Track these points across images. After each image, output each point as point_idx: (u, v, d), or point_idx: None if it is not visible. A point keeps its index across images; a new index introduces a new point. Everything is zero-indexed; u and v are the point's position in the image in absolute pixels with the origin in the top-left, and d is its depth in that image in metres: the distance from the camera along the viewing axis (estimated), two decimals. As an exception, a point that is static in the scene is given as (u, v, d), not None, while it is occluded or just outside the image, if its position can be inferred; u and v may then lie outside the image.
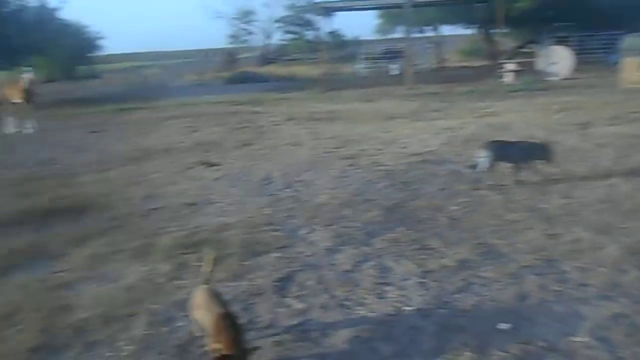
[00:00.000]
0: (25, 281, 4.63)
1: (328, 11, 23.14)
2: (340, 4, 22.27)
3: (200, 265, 4.62)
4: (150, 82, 29.14)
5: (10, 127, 14.22)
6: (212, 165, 8.76)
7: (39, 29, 24.78)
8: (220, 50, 70.73)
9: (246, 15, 41.35)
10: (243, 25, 42.15)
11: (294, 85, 24.88)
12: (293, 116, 13.95)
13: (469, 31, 34.30)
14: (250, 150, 9.90)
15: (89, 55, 38.01)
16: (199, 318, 3.32)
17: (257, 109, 16.24)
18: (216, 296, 3.32)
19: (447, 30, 34.76)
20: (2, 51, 24.39)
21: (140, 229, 5.80)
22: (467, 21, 30.96)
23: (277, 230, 5.54)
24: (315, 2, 21.01)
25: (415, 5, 22.54)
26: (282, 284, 4.33)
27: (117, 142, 11.67)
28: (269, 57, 40.86)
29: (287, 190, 7.04)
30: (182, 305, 4.03)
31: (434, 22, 31.45)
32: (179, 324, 3.80)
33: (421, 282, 4.27)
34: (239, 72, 28.62)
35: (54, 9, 25.74)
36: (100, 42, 38.38)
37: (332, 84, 22.11)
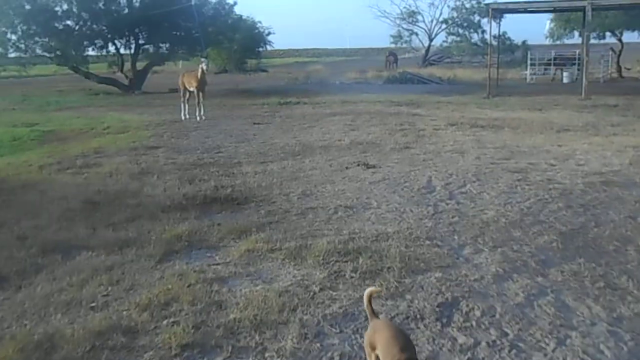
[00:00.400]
0: (184, 270, 4.62)
1: (499, 13, 21.91)
2: (513, 6, 20.96)
3: (353, 277, 4.34)
4: (313, 78, 29.72)
5: (186, 114, 15.06)
6: (370, 166, 8.46)
7: (218, 23, 26.26)
8: (382, 50, 71.19)
9: (411, 16, 40.76)
10: (407, 26, 41.56)
11: (455, 88, 24.00)
12: (455, 121, 13.27)
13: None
14: (410, 154, 9.47)
15: (259, 49, 39.63)
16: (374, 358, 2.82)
17: (417, 111, 15.74)
18: (399, 336, 2.80)
19: (628, 37, 31.57)
20: (183, 42, 26.25)
21: (296, 228, 5.63)
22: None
23: (438, 246, 5.08)
24: (486, 3, 19.88)
25: (596, 9, 20.60)
26: (445, 311, 3.87)
27: (279, 135, 11.82)
28: (431, 58, 40.00)
29: (450, 201, 6.52)
30: (335, 320, 3.75)
31: (614, 28, 28.63)
32: (331, 341, 3.51)
33: (612, 331, 3.59)
34: (399, 73, 28.24)
35: (232, 4, 27.09)
36: (270, 38, 39.84)
37: (497, 90, 20.95)
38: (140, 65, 26.92)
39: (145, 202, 6.67)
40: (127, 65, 26.97)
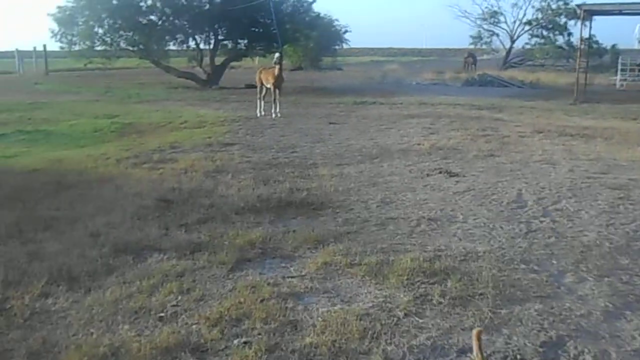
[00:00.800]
0: (257, 282, 4.32)
1: (590, 14, 20.62)
2: (608, 7, 19.66)
3: (442, 303, 3.90)
4: (389, 78, 29.15)
5: (262, 110, 14.93)
6: (453, 175, 7.93)
7: (296, 20, 26.14)
8: (460, 51, 69.41)
9: (493, 16, 39.32)
10: (487, 26, 40.16)
11: (538, 92, 22.86)
12: (541, 128, 12.46)
13: None
14: (495, 162, 8.86)
15: (335, 47, 39.44)
16: None
17: (500, 115, 14.97)
18: None
19: None
20: (261, 39, 26.28)
21: (377, 240, 5.23)
22: None
23: (535, 271, 4.55)
24: (577, 3, 18.75)
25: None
26: (550, 352, 3.37)
27: (355, 136, 11.44)
28: (512, 60, 38.51)
29: (544, 219, 5.93)
30: (423, 354, 3.33)
31: None
32: (420, 379, 3.10)
33: None
34: (479, 75, 27.20)
35: (311, 2, 26.89)
36: (346, 36, 39.58)
37: (585, 96, 19.74)
38: (218, 60, 27.18)
39: (218, 203, 6.45)
40: (206, 60, 27.33)
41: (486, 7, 39.79)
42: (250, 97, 19.60)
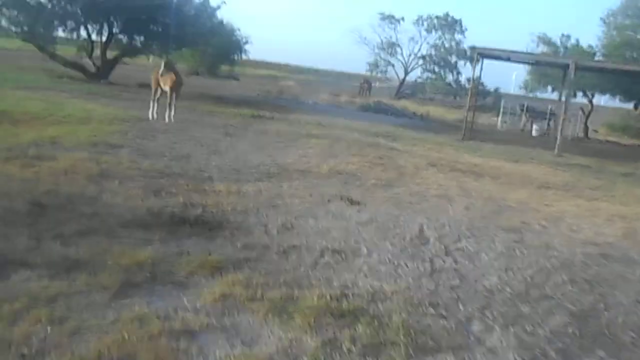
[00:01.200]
0: (145, 313, 3.75)
1: (482, 57, 21.73)
2: (499, 53, 20.80)
3: (352, 351, 3.56)
4: (286, 94, 28.98)
5: (154, 113, 14.06)
6: (354, 203, 7.71)
7: (198, 24, 25.24)
8: (355, 76, 71.16)
9: (390, 47, 40.62)
10: (384, 55, 41.40)
11: (429, 126, 23.71)
12: (434, 162, 12.71)
13: (623, 104, 31.52)
14: (394, 193, 8.77)
15: (233, 56, 38.77)
16: None
17: (395, 145, 15.17)
18: None
19: (598, 99, 32.11)
20: (159, 38, 25.13)
21: (280, 271, 4.81)
22: (627, 94, 28.24)
23: (444, 317, 4.34)
24: (470, 46, 19.65)
25: (579, 68, 20.67)
26: (467, 414, 3.12)
27: (253, 151, 10.99)
28: (405, 91, 39.89)
29: (447, 258, 5.82)
30: (335, 414, 2.95)
31: (588, 88, 28.96)
32: None
33: None
34: (375, 102, 27.81)
35: (216, 8, 26.18)
36: (246, 47, 39.06)
37: (471, 133, 20.68)
38: (110, 54, 25.63)
39: (102, 213, 5.74)
40: (97, 53, 25.72)
41: (385, 37, 41.06)
42: (143, 96, 18.56)
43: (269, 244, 5.52)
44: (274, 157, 10.75)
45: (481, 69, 21.83)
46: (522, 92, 33.23)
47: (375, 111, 26.17)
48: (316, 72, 75.05)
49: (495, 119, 30.27)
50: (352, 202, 7.73)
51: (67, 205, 5.85)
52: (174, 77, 13.80)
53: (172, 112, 13.89)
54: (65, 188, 6.45)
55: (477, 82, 38.92)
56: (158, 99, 14.41)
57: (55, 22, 23.80)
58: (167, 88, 14.07)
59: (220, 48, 33.67)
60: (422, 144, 16.32)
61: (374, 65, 42.18)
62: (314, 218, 6.72)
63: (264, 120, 16.97)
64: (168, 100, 13.93)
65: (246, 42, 38.71)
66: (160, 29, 24.79)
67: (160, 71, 13.82)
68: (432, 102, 36.84)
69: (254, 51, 40.48)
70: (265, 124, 16.07)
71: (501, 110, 29.13)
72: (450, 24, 37.95)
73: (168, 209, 6.21)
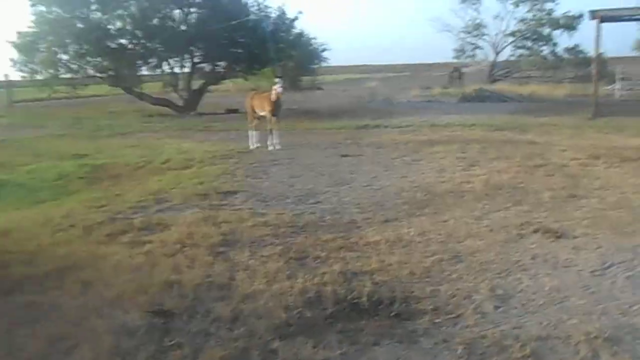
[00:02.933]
0: None
1: (605, 20, 18.65)
2: (625, 12, 17.80)
3: None
4: (376, 97, 26.92)
5: (255, 142, 12.53)
6: (557, 234, 5.62)
7: (278, 39, 23.75)
8: (432, 66, 67.95)
9: (476, 29, 37.56)
10: (471, 39, 38.38)
11: (544, 107, 20.89)
12: (594, 153, 10.28)
13: None
14: (592, 210, 6.56)
15: (313, 66, 37.22)
16: None
17: (530, 137, 12.81)
18: None
19: None
20: (241, 60, 23.88)
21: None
22: None
23: None
24: (591, 10, 16.80)
25: None
26: None
27: (382, 174, 9.11)
28: (498, 73, 36.75)
29: None
30: None
31: None
32: None
33: None
34: (475, 90, 25.17)
35: (293, 19, 24.59)
36: (325, 54, 37.39)
37: (597, 108, 17.78)
38: (195, 84, 24.65)
39: (245, 314, 4.00)
40: (181, 85, 24.86)
41: (469, 20, 38.00)
42: (235, 124, 17.34)
43: (500, 338, 3.56)
44: (408, 176, 8.83)
45: (599, 35, 18.61)
46: (632, 54, 29.43)
47: (479, 100, 23.62)
48: (393, 68, 72.45)
49: (607, 88, 26.75)
50: (553, 233, 5.63)
51: (196, 305, 4.17)
52: (271, 98, 12.14)
53: (275, 139, 12.27)
54: (187, 275, 4.78)
55: (572, 51, 35.42)
56: (256, 125, 12.88)
57: (138, 62, 23.09)
58: (265, 112, 12.48)
59: (300, 60, 32.13)
60: (556, 131, 13.82)
61: (460, 51, 39.18)
62: (523, 271, 4.70)
63: (371, 130, 15.08)
64: (268, 126, 12.33)
65: (324, 50, 37.07)
66: (241, 51, 23.47)
67: (280, 92, 12.09)
68: (529, 80, 33.58)
69: (330, 57, 38.66)
70: (374, 134, 14.15)
71: (617, 77, 25.66)
72: (538, -7, 34.60)
73: (327, 288, 4.40)
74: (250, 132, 12.75)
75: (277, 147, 12.13)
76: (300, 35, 26.52)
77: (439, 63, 69.48)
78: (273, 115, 12.28)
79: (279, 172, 9.59)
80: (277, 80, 12.18)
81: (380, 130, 14.82)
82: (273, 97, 12.09)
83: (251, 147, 12.43)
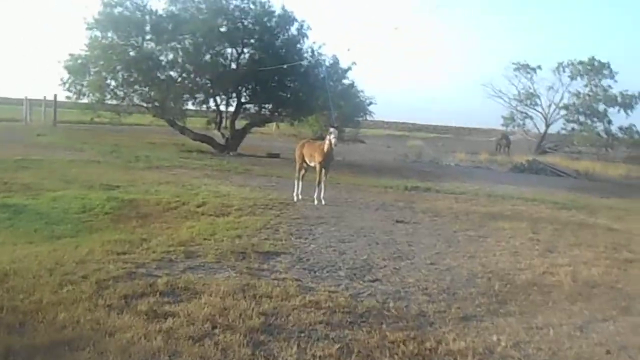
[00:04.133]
0: None
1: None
2: None
3: None
4: (422, 156, 25.73)
5: (299, 193, 11.39)
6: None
7: (328, 87, 22.94)
8: (474, 131, 66.66)
9: (529, 98, 36.33)
10: (522, 108, 37.12)
11: (602, 186, 19.38)
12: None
13: None
14: None
15: (359, 119, 36.49)
16: None
17: (604, 221, 11.36)
18: None
19: None
20: (289, 104, 23.07)
21: None
22: None
23: None
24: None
25: None
26: None
27: (446, 250, 7.80)
28: (547, 145, 35.29)
29: None
30: None
31: None
32: None
33: None
34: (528, 160, 23.80)
35: (346, 69, 23.92)
36: (371, 108, 36.72)
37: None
38: (238, 124, 23.88)
39: None
40: (225, 123, 24.13)
41: (522, 89, 36.80)
42: (277, 170, 16.32)
43: None
44: (477, 256, 7.51)
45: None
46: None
47: (532, 171, 22.20)
48: (434, 128, 71.35)
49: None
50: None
51: None
52: (324, 149, 11.02)
53: (322, 193, 11.10)
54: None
55: (627, 130, 33.79)
56: (303, 176, 11.77)
57: (185, 96, 22.49)
58: (314, 163, 11.36)
59: (347, 111, 31.36)
60: (629, 217, 12.33)
61: (510, 119, 37.85)
62: None
63: (422, 193, 13.82)
64: (317, 178, 11.17)
65: (370, 103, 36.43)
66: (289, 95, 22.70)
67: (334, 142, 10.89)
68: (580, 155, 32.04)
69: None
70: (427, 199, 12.85)
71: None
72: (597, 69, 33.28)
73: None
74: (296, 182, 11.62)
75: (323, 202, 10.95)
76: (352, 86, 25.77)
77: (482, 129, 68.50)
78: (323, 167, 11.14)
79: (326, 234, 8.35)
80: (331, 130, 11.05)
81: (432, 195, 13.54)
82: (326, 147, 10.97)
83: (295, 198, 11.27)
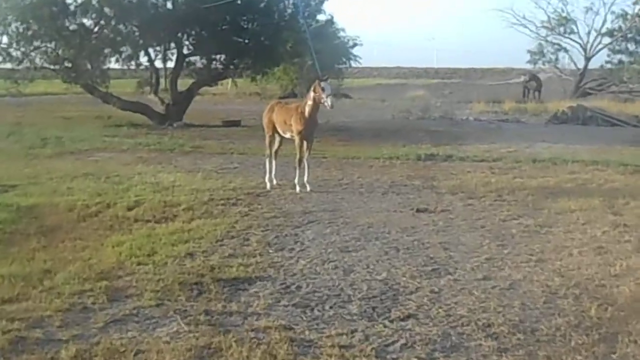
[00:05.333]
0: None
1: None
2: None
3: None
4: (430, 111, 24.70)
5: (273, 177, 10.28)
6: None
7: (296, 27, 21.76)
8: (488, 72, 65.99)
9: (562, 24, 35.24)
10: (553, 38, 36.06)
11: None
12: None
13: None
14: None
15: (339, 66, 35.25)
16: None
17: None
18: None
19: None
20: (246, 54, 21.88)
21: None
22: None
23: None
24: None
25: None
26: None
27: (501, 253, 6.76)
28: (587, 85, 34.44)
29: None
30: None
31: None
32: None
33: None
34: (570, 107, 22.87)
35: (319, 1, 22.78)
36: (355, 51, 35.52)
37: None
38: (182, 85, 22.64)
39: None
40: (163, 84, 23.06)
41: (553, 12, 35.61)
42: (238, 144, 15.22)
43: None
44: (547, 259, 6.57)
45: None
46: None
47: (577, 121, 21.32)
48: (436, 72, 70.53)
49: None
50: None
51: None
52: (306, 113, 9.81)
53: (306, 175, 9.98)
54: None
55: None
56: (276, 151, 10.64)
57: (106, 51, 21.06)
58: (291, 134, 10.17)
59: (324, 56, 30.05)
60: None
61: (538, 54, 36.70)
62: None
63: (442, 163, 12.80)
64: (298, 155, 10.00)
65: (354, 45, 35.15)
66: (247, 40, 21.46)
67: (330, 104, 9.69)
68: (632, 96, 31.18)
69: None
70: (452, 172, 11.77)
71: None
72: (648, -19, 32.42)
73: None
74: (267, 162, 10.49)
75: (308, 188, 9.83)
76: (330, 22, 24.56)
77: (497, 68, 67.85)
78: (305, 139, 9.96)
79: (320, 239, 7.25)
80: (323, 85, 9.67)
81: (456, 165, 12.51)
82: (308, 110, 9.76)
83: (268, 185, 10.18)
